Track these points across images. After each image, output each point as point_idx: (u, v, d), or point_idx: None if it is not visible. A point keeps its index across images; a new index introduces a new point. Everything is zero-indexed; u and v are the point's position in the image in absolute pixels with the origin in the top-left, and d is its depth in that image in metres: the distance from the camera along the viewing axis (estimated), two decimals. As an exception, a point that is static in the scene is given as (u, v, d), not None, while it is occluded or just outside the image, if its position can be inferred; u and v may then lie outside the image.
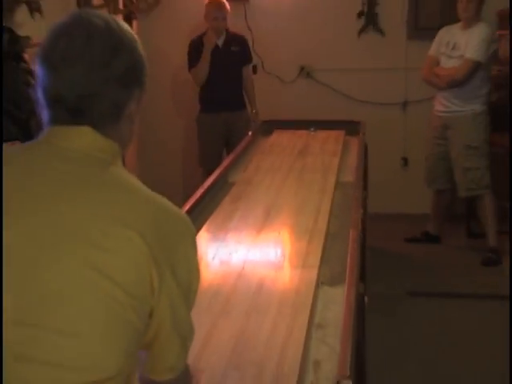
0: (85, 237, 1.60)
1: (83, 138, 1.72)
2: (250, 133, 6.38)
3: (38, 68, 1.74)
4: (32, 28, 5.30)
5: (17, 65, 5.05)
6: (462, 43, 6.79)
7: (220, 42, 7.46)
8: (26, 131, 4.94)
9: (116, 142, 1.77)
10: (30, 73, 5.20)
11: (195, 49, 7.38)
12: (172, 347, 1.74)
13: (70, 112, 1.71)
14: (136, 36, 1.82)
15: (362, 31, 8.19)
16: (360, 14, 8.14)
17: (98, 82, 1.70)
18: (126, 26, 1.81)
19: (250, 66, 7.74)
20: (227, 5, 7.36)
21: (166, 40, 8.17)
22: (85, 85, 1.69)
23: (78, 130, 1.72)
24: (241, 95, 7.62)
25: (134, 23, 7.97)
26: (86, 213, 1.63)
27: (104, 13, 1.82)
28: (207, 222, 3.99)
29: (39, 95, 1.74)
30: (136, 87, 1.79)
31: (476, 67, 6.72)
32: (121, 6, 7.48)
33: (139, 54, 1.80)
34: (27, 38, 5.20)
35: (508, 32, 7.51)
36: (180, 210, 1.80)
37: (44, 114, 1.76)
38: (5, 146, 4.74)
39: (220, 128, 7.32)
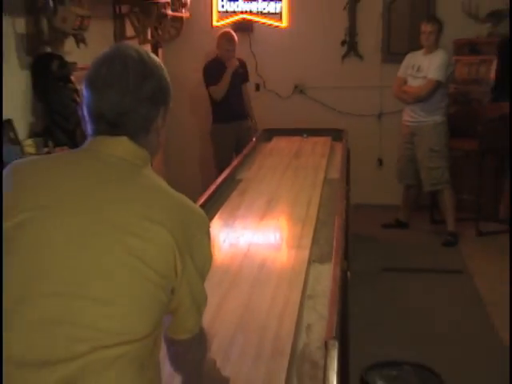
0: (123, 227, 1.61)
1: (121, 146, 1.73)
2: (254, 139, 6.38)
3: (84, 90, 1.75)
4: (78, 55, 5.31)
5: (65, 85, 5.05)
6: (425, 66, 6.78)
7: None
8: (73, 139, 4.96)
9: (146, 150, 1.78)
10: (76, 91, 5.20)
11: (212, 70, 7.30)
12: (191, 314, 1.75)
13: (110, 125, 1.72)
14: (162, 65, 1.82)
15: (344, 56, 8.17)
16: (343, 43, 8.14)
17: (132, 102, 1.71)
18: (155, 56, 1.82)
19: (248, 84, 7.67)
20: (236, 38, 7.34)
21: (185, 63, 8.17)
22: (122, 104, 1.71)
23: (116, 140, 1.73)
24: (245, 107, 7.58)
25: (160, 50, 7.98)
26: (124, 207, 1.65)
27: (137, 46, 1.83)
28: (219, 212, 3.98)
29: (84, 112, 1.76)
30: (162, 106, 1.79)
31: (437, 86, 6.72)
32: (149, 36, 7.46)
33: (165, 80, 1.80)
34: (74, 63, 5.22)
35: (462, 57, 7.55)
36: (198, 207, 1.80)
37: (88, 127, 1.77)
38: (56, 150, 4.75)
39: (231, 135, 7.25)
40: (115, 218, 1.62)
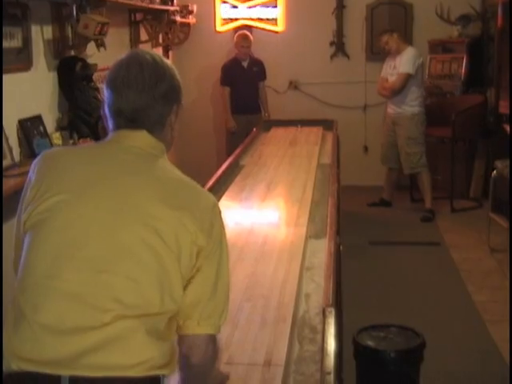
0: (144, 211, 1.59)
1: (141, 138, 1.70)
2: (254, 129, 6.33)
3: (104, 91, 1.73)
4: (98, 58, 5.30)
5: (87, 84, 5.02)
6: (397, 64, 6.79)
7: (245, 64, 7.56)
8: (95, 131, 4.92)
9: (162, 143, 1.75)
10: (97, 90, 5.16)
11: (226, 71, 7.53)
12: (213, 301, 1.65)
13: (128, 121, 1.70)
14: (174, 67, 1.79)
15: (333, 56, 8.16)
16: (332, 44, 8.14)
17: (148, 100, 1.69)
18: (167, 60, 1.79)
19: (265, 82, 7.72)
20: (251, 37, 7.54)
21: (192, 63, 8.13)
22: (138, 102, 1.68)
23: (137, 132, 1.70)
24: (258, 102, 7.64)
25: (170, 53, 7.95)
26: (145, 193, 1.62)
27: (151, 51, 1.81)
28: (225, 194, 3.93)
29: (105, 110, 1.74)
30: (175, 103, 1.76)
31: (408, 78, 6.70)
32: (161, 40, 7.42)
33: (177, 80, 1.77)
34: (95, 65, 5.20)
35: (436, 55, 7.54)
36: (208, 192, 1.77)
37: (109, 123, 1.74)
38: (80, 142, 4.71)
39: (243, 125, 7.24)
40: (137, 202, 1.60)
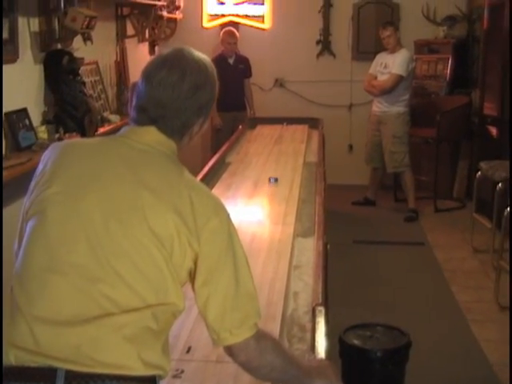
0: (139, 210, 1.54)
1: (148, 135, 1.65)
2: (240, 126, 6.31)
3: (140, 79, 1.68)
4: (85, 51, 5.27)
5: (74, 78, 4.98)
6: (390, 63, 6.78)
7: (231, 61, 7.52)
8: (81, 126, 4.89)
9: (174, 143, 1.69)
10: (84, 84, 5.12)
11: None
12: (233, 306, 1.60)
13: (149, 120, 1.65)
14: (216, 77, 1.73)
15: (319, 54, 8.17)
16: (318, 42, 8.15)
17: (178, 108, 1.64)
18: (212, 68, 1.73)
19: (250, 79, 7.70)
20: (237, 34, 7.50)
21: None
22: (168, 108, 1.64)
23: (146, 129, 1.66)
24: (243, 99, 7.61)
25: (156, 48, 7.88)
26: (140, 193, 1.57)
27: (201, 54, 1.73)
28: (212, 191, 3.89)
29: (133, 98, 1.69)
30: (203, 115, 1.71)
31: (399, 79, 6.71)
32: (147, 36, 7.38)
33: (214, 93, 1.72)
34: (81, 58, 5.19)
35: (422, 56, 7.55)
36: (211, 192, 1.73)
37: (131, 112, 1.70)
38: (66, 136, 4.67)
39: (229, 123, 7.22)
40: (132, 202, 1.56)
